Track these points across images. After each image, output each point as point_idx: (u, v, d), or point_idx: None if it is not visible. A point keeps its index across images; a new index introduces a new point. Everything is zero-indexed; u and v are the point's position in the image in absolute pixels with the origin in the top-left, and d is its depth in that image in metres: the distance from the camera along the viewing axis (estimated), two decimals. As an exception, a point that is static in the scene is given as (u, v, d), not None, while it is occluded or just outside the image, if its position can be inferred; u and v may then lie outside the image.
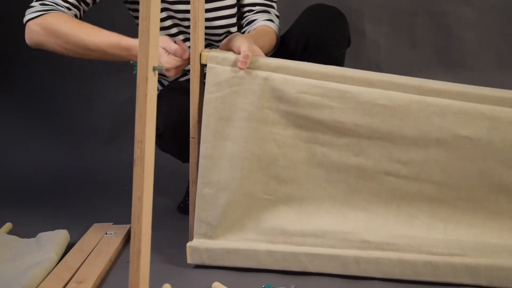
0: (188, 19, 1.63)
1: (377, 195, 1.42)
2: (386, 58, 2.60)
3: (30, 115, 2.61)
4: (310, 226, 1.42)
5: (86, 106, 2.62)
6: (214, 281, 1.34)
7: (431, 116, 1.36)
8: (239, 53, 1.38)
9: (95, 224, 1.73)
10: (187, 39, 1.67)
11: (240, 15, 1.72)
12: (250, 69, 1.38)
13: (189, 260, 1.45)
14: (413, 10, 2.58)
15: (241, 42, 1.39)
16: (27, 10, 1.55)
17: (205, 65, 1.42)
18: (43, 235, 1.59)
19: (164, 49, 1.44)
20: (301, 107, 1.39)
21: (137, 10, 1.65)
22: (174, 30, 1.67)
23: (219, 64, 1.39)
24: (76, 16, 1.57)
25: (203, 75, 1.44)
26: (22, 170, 2.39)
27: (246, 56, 1.36)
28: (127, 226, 1.68)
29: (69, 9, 1.55)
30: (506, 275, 1.33)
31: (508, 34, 2.56)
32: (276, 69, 1.39)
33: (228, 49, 1.43)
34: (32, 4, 1.55)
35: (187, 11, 1.61)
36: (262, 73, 1.39)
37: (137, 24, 1.63)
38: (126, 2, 1.68)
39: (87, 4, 1.59)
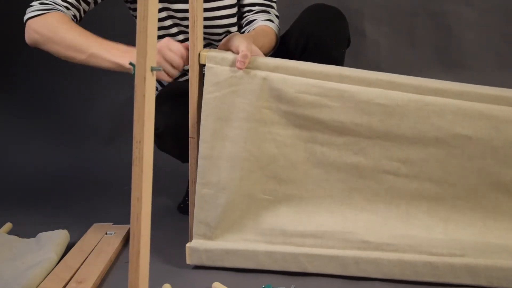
0: (187, 19, 1.62)
1: (377, 194, 1.42)
2: (386, 58, 2.60)
3: (30, 115, 2.61)
4: (309, 227, 1.42)
5: (86, 106, 2.62)
6: (214, 282, 1.34)
7: (430, 115, 1.36)
8: (237, 53, 1.38)
9: (95, 224, 1.73)
10: (187, 39, 1.67)
11: (240, 15, 1.72)
12: (248, 69, 1.38)
13: (188, 261, 1.45)
14: (413, 10, 2.58)
15: (239, 42, 1.39)
16: (27, 9, 1.55)
17: (204, 65, 1.42)
18: (43, 235, 1.59)
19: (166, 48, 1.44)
20: (300, 107, 1.39)
21: (137, 10, 1.66)
22: (174, 30, 1.67)
23: (218, 64, 1.39)
24: (75, 16, 1.57)
25: (202, 75, 1.44)
26: (22, 170, 2.39)
27: (245, 56, 1.36)
28: (127, 226, 1.68)
29: (67, 8, 1.55)
30: (506, 275, 1.33)
31: (508, 34, 2.56)
32: (274, 69, 1.39)
33: (227, 49, 1.43)
34: (32, 3, 1.56)
35: (187, 10, 1.61)
36: (261, 73, 1.38)
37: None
38: (126, 2, 1.68)
39: (87, 4, 1.59)
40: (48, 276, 1.39)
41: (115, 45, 1.49)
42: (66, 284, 1.36)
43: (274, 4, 1.72)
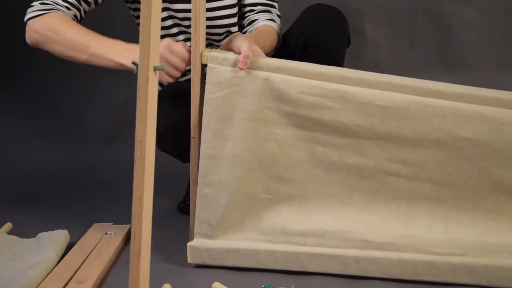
0: (188, 19, 1.63)
1: (377, 194, 1.42)
2: (386, 58, 2.60)
3: (30, 115, 2.61)
4: (310, 226, 1.42)
5: (86, 106, 2.62)
6: (214, 281, 1.34)
7: (431, 117, 1.36)
8: (239, 53, 1.38)
9: (95, 224, 1.73)
10: (187, 39, 1.67)
11: (241, 15, 1.72)
12: (250, 69, 1.38)
13: (189, 260, 1.45)
14: (413, 10, 2.58)
15: (241, 42, 1.39)
16: (28, 10, 1.55)
17: (206, 65, 1.42)
18: (43, 235, 1.59)
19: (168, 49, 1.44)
20: (301, 108, 1.39)
21: (138, 10, 1.66)
22: (174, 30, 1.67)
23: (219, 64, 1.39)
24: (75, 16, 1.57)
25: (203, 75, 1.44)
26: (22, 170, 2.39)
27: (247, 56, 1.36)
28: (127, 226, 1.68)
29: (68, 8, 1.55)
30: (506, 275, 1.33)
31: (508, 34, 2.56)
32: (276, 70, 1.39)
33: (229, 49, 1.43)
34: (33, 3, 1.56)
35: (188, 10, 1.61)
36: (263, 74, 1.39)
37: (138, 24, 1.64)
38: (127, 2, 1.68)
39: (88, 4, 1.59)
40: (48, 276, 1.39)
41: (116, 43, 1.49)
42: (66, 284, 1.36)
43: (275, 4, 1.72)
